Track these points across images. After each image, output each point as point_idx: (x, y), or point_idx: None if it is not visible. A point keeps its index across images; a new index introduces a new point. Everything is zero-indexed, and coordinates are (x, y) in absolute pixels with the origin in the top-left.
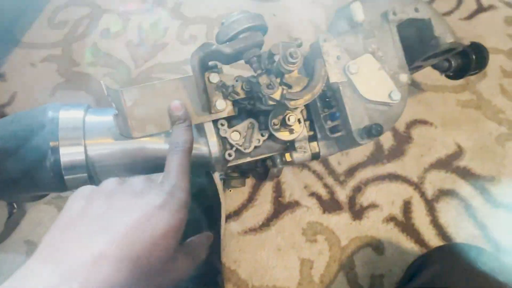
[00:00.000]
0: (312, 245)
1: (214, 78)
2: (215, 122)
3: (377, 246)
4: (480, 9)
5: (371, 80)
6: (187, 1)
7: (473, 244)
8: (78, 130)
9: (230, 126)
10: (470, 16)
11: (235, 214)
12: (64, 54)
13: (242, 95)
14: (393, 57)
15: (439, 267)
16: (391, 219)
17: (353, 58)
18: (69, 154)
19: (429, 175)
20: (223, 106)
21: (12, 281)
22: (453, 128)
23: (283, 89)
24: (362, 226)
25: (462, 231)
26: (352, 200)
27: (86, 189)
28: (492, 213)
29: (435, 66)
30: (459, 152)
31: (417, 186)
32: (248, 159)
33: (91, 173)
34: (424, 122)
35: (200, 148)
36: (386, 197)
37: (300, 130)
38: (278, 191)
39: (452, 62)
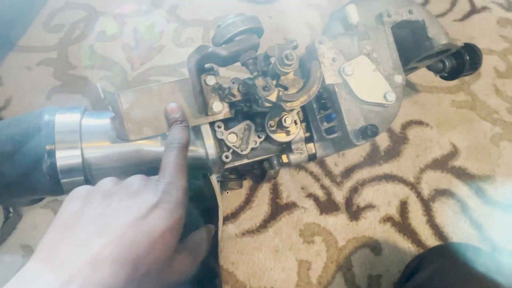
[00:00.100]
0: (310, 246)
1: (211, 80)
2: (211, 124)
3: (374, 247)
4: (474, 10)
5: (366, 81)
6: (183, 3)
7: (469, 244)
8: (75, 133)
9: (226, 128)
10: (464, 18)
11: (233, 216)
12: (60, 57)
13: (239, 97)
14: (388, 58)
15: (435, 266)
16: (388, 219)
17: (348, 59)
18: (65, 157)
19: (425, 175)
20: (220, 108)
21: (11, 285)
22: (448, 129)
23: (279, 91)
24: (359, 227)
25: (458, 231)
26: (349, 201)
27: (82, 189)
28: (488, 213)
29: (429, 67)
30: (454, 152)
31: (413, 186)
32: (245, 161)
33: (88, 177)
34: (419, 123)
35: (197, 150)
36: (382, 198)
37: (297, 132)
38: (275, 192)
39: (447, 63)
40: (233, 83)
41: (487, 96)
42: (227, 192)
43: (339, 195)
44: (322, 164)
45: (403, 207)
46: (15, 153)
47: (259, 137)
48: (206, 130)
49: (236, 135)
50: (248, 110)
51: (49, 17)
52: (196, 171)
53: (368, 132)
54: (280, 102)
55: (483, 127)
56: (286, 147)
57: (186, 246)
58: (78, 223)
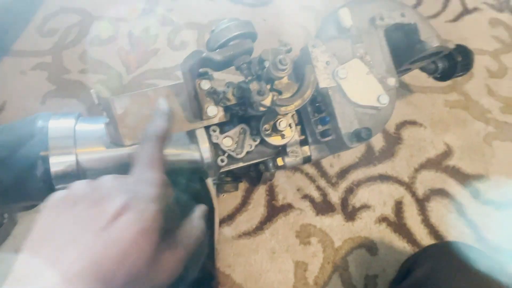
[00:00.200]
0: (306, 247)
1: (205, 84)
2: (207, 128)
3: (370, 247)
4: (465, 11)
5: (360, 84)
6: (178, 7)
7: (463, 242)
8: (69, 139)
9: (222, 132)
10: (456, 19)
11: (229, 218)
12: (55, 61)
13: (233, 101)
14: (381, 61)
15: (430, 265)
16: (383, 219)
17: (342, 63)
18: (59, 163)
19: (419, 175)
20: (215, 113)
21: None
22: (442, 129)
23: (273, 95)
24: (355, 227)
25: (453, 230)
26: (344, 201)
27: (55, 198)
28: (482, 211)
29: (422, 69)
30: (448, 152)
31: (408, 186)
32: (241, 164)
33: None
34: (413, 123)
35: (193, 154)
36: (378, 198)
37: (291, 135)
38: (271, 194)
39: (439, 65)
40: (228, 87)
41: (479, 96)
42: (223, 195)
43: (335, 196)
44: (317, 165)
45: (398, 207)
46: (8, 160)
47: (254, 140)
48: (201, 134)
49: (231, 139)
50: (243, 114)
51: (43, 21)
52: (192, 175)
53: (362, 135)
54: (274, 106)
55: (476, 126)
56: (281, 150)
57: (174, 240)
58: (47, 239)
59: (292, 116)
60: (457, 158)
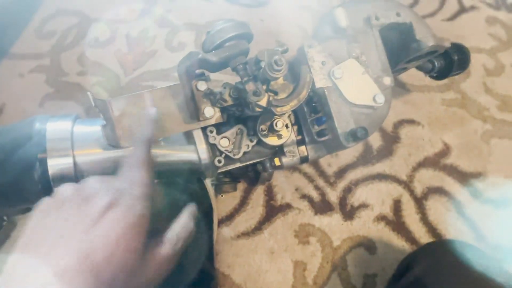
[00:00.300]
0: (305, 247)
1: (202, 86)
2: (203, 129)
3: (369, 246)
4: (462, 10)
5: (356, 84)
6: (176, 8)
7: (461, 240)
8: (66, 141)
9: (219, 133)
10: (453, 17)
11: (228, 218)
12: (53, 64)
13: (230, 102)
14: (377, 61)
15: (428, 263)
16: (382, 218)
17: (338, 63)
18: (57, 165)
19: (417, 173)
20: (211, 113)
21: None
22: (439, 127)
23: (269, 95)
24: (353, 226)
25: (451, 228)
26: (343, 201)
27: (44, 202)
28: (480, 209)
29: (419, 68)
30: (446, 150)
31: (406, 185)
32: (238, 164)
33: None
34: (411, 122)
35: (190, 155)
36: (376, 197)
37: (288, 135)
38: (269, 194)
39: (436, 63)
40: (224, 88)
41: (477, 94)
42: (222, 195)
43: (333, 196)
44: (315, 165)
45: (397, 205)
46: (5, 162)
47: (251, 141)
48: (198, 135)
49: (228, 140)
50: (240, 114)
51: (41, 24)
52: (190, 176)
53: (358, 134)
54: (270, 107)
55: (474, 124)
56: (279, 150)
57: (162, 239)
58: (37, 239)
59: (289, 116)
60: (455, 157)
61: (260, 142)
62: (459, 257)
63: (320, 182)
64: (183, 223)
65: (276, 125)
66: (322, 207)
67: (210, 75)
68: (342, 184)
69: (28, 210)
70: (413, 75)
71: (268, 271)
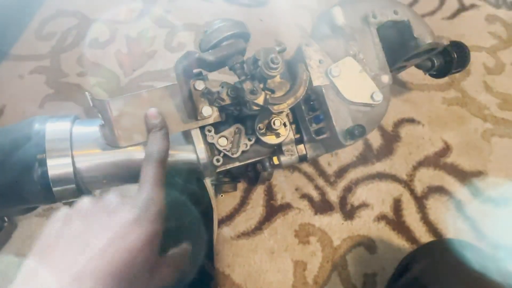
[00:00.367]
0: (305, 246)
1: (200, 85)
2: (202, 128)
3: (369, 245)
4: (462, 8)
5: (353, 82)
6: (175, 8)
7: (461, 240)
8: (65, 141)
9: (217, 132)
10: (453, 16)
11: (228, 218)
12: (53, 65)
13: (228, 101)
14: (374, 59)
15: (427, 262)
16: (382, 217)
17: (335, 61)
18: (56, 166)
19: (418, 172)
20: (209, 113)
21: None
22: (439, 126)
23: (266, 94)
24: (353, 226)
25: (451, 227)
26: (343, 200)
27: (62, 211)
28: (481, 208)
29: (418, 66)
30: (446, 149)
31: (407, 184)
32: (237, 164)
33: (80, 184)
34: (411, 121)
35: (188, 155)
36: (376, 196)
37: (286, 134)
38: (269, 194)
39: (435, 61)
40: (222, 87)
41: (477, 92)
42: (222, 195)
43: (333, 195)
44: (315, 164)
45: (397, 205)
46: (4, 163)
47: (249, 140)
48: (196, 134)
49: (227, 139)
50: (238, 113)
51: (41, 25)
52: (189, 175)
53: (356, 132)
54: (267, 105)
55: (474, 123)
56: (277, 149)
57: (168, 259)
58: (58, 245)
59: (287, 115)
60: (455, 155)
61: (258, 141)
62: (459, 256)
63: (320, 182)
64: (183, 253)
65: (274, 123)
66: (322, 206)
67: (208, 74)
68: (342, 184)
69: (29, 210)
70: (413, 74)
71: (268, 271)
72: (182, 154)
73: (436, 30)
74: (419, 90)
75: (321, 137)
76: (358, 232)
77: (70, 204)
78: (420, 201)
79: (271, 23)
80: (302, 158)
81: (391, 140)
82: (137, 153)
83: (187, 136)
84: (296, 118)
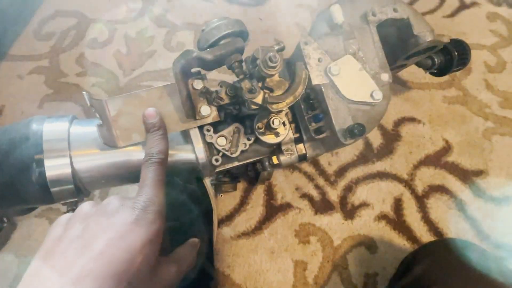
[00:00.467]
0: (305, 246)
1: (198, 84)
2: (200, 128)
3: (369, 245)
4: (463, 6)
5: (353, 80)
6: (174, 8)
7: (462, 239)
8: (63, 141)
9: (216, 132)
10: (453, 14)
11: (228, 218)
12: (52, 65)
13: (227, 100)
14: (374, 57)
15: (429, 262)
16: (383, 217)
17: (334, 59)
18: (54, 166)
19: (418, 171)
20: (208, 112)
21: None
22: (440, 125)
23: (265, 93)
24: (354, 225)
25: (452, 226)
26: (343, 200)
27: (64, 217)
28: (481, 207)
29: (419, 64)
30: (447, 148)
31: (407, 183)
32: (236, 163)
33: (78, 185)
34: (412, 120)
35: (187, 155)
36: (377, 196)
37: (286, 133)
38: (269, 194)
39: (435, 59)
40: (221, 86)
41: (478, 91)
42: (221, 195)
43: (334, 195)
44: (316, 163)
45: (398, 204)
46: (2, 163)
47: (248, 139)
48: (195, 134)
49: (226, 138)
50: (237, 113)
51: (40, 25)
52: (189, 175)
53: (355, 131)
54: (266, 104)
55: (475, 122)
56: (277, 149)
57: (169, 259)
58: (59, 248)
59: (286, 114)
60: (456, 154)
61: (257, 141)
62: (461, 256)
63: (321, 181)
64: (188, 252)
65: (273, 122)
66: (322, 206)
67: (207, 73)
68: (342, 183)
69: (28, 211)
70: (413, 73)
71: (268, 271)
72: (181, 154)
73: (436, 28)
74: (419, 88)
75: (320, 136)
76: (359, 231)
77: (69, 204)
78: (420, 200)
79: (270, 22)
80: (302, 158)
81: (391, 139)
82: (135, 153)
83: (185, 136)
84: (296, 117)
